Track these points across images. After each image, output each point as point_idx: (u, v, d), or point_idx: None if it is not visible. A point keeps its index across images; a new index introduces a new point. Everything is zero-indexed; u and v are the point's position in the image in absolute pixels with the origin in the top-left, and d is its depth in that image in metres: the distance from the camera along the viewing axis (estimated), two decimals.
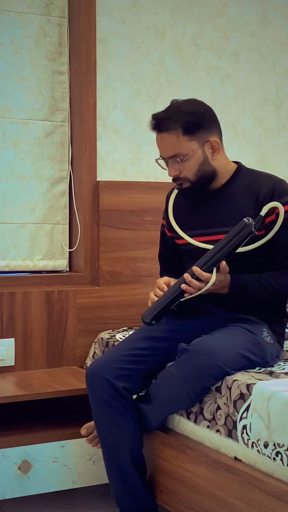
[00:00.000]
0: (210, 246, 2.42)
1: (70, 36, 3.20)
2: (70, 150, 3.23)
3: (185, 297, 2.36)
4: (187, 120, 2.42)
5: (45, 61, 3.17)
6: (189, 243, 2.55)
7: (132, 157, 3.30)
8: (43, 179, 3.19)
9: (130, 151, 3.30)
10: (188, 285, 2.33)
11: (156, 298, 2.41)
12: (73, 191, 3.22)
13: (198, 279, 2.33)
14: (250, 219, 2.30)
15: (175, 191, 2.57)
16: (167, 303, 2.36)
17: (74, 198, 3.22)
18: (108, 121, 3.24)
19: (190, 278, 2.32)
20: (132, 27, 3.27)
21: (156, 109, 3.29)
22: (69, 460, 2.67)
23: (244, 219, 2.31)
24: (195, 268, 2.33)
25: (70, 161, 3.22)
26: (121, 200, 3.21)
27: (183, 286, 2.33)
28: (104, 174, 3.24)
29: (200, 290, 2.33)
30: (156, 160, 2.54)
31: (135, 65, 3.29)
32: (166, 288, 2.42)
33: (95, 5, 3.16)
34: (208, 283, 2.33)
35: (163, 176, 3.30)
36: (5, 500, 2.64)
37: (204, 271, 2.33)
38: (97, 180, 3.21)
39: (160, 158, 2.52)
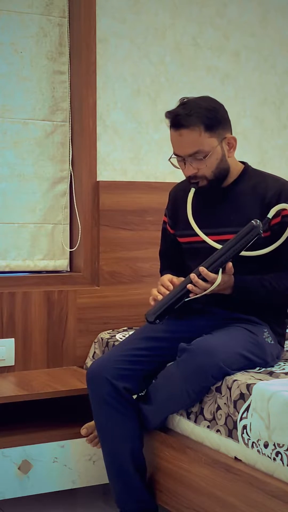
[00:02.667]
0: (217, 244, 2.40)
1: (70, 36, 3.20)
2: (70, 150, 3.23)
3: (190, 297, 2.35)
4: (208, 116, 2.40)
5: (45, 61, 3.17)
6: (192, 242, 2.54)
7: (132, 157, 3.30)
8: (44, 179, 3.19)
9: (130, 151, 3.30)
10: (195, 285, 2.32)
11: (158, 295, 2.40)
12: (73, 191, 3.22)
13: (204, 279, 2.32)
14: (258, 221, 2.30)
15: (193, 190, 2.49)
16: (171, 302, 2.35)
17: (74, 198, 3.22)
18: (108, 121, 3.24)
19: (196, 278, 2.32)
20: (132, 27, 3.27)
21: (156, 109, 3.32)
22: (69, 460, 2.67)
23: (252, 221, 2.30)
24: (202, 269, 2.32)
25: (70, 161, 3.22)
26: (121, 200, 3.21)
27: (189, 286, 2.32)
28: (104, 174, 3.24)
29: (205, 290, 2.33)
30: (169, 159, 2.49)
31: (135, 65, 3.29)
32: (171, 286, 2.41)
33: (95, 5, 3.16)
34: (214, 284, 2.33)
35: (163, 176, 3.32)
36: (5, 500, 2.64)
37: (210, 271, 2.32)
38: (97, 180, 3.21)
39: (175, 156, 2.47)
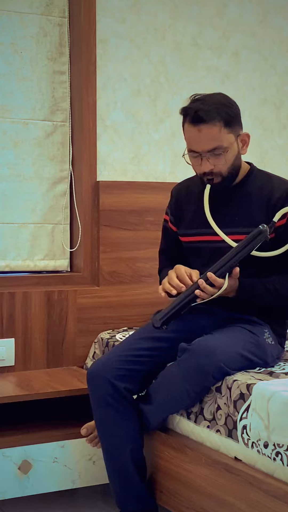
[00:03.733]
0: (233, 243, 2.38)
1: (70, 36, 3.20)
2: (70, 150, 3.23)
3: (197, 302, 2.35)
4: (227, 112, 2.39)
5: (45, 61, 3.17)
6: (195, 241, 2.54)
7: (132, 157, 3.30)
8: (44, 179, 3.19)
9: (130, 151, 3.30)
10: (202, 290, 2.32)
11: (171, 289, 2.37)
12: (73, 191, 3.22)
13: (211, 284, 2.32)
14: (265, 226, 2.30)
15: (209, 187, 2.46)
16: (178, 308, 2.35)
17: (75, 198, 3.22)
18: (108, 121, 3.24)
19: (204, 284, 2.31)
20: (132, 27, 3.27)
21: (156, 109, 3.32)
22: (69, 460, 2.67)
23: (260, 226, 2.31)
24: (210, 274, 2.32)
25: (70, 161, 3.22)
26: (121, 200, 3.21)
27: (197, 292, 2.32)
28: (104, 174, 3.24)
29: (212, 295, 2.34)
30: (183, 156, 2.47)
31: (135, 65, 3.29)
32: (187, 280, 2.37)
33: (95, 5, 3.16)
34: (221, 289, 2.33)
35: (163, 176, 3.32)
36: (5, 500, 2.64)
37: (218, 276, 2.32)
38: (97, 180, 3.21)
39: (190, 152, 2.44)
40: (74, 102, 3.21)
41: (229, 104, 2.42)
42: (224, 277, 2.33)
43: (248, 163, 2.59)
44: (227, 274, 2.34)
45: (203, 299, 2.34)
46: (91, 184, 3.19)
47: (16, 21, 3.11)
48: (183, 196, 2.63)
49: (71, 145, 3.23)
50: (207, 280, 2.32)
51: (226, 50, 3.48)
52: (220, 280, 2.32)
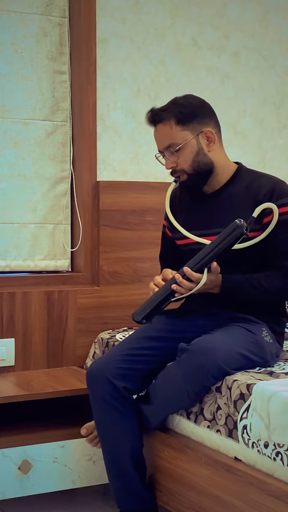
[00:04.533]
0: (207, 242, 2.41)
1: (71, 36, 3.20)
2: (71, 150, 3.23)
3: (175, 297, 2.36)
4: (180, 110, 2.48)
5: (45, 61, 3.17)
6: (188, 244, 2.55)
7: (132, 157, 3.30)
8: (44, 179, 3.19)
9: (130, 151, 3.30)
10: (179, 285, 2.33)
11: (154, 287, 2.42)
12: (74, 191, 3.22)
13: (189, 279, 2.34)
14: (242, 220, 2.31)
15: (173, 184, 2.58)
16: (157, 302, 2.37)
17: (75, 198, 3.22)
18: (108, 121, 3.24)
19: (180, 278, 2.34)
20: (132, 27, 3.27)
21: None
22: (69, 460, 2.67)
23: (236, 220, 2.31)
24: (186, 269, 2.34)
25: (71, 161, 3.22)
26: (121, 200, 3.21)
27: (174, 286, 2.34)
28: (104, 174, 3.24)
29: (191, 290, 2.34)
30: (156, 157, 2.57)
31: (135, 65, 3.29)
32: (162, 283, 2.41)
33: (95, 5, 3.16)
34: (199, 284, 2.34)
35: (163, 176, 3.32)
36: (5, 500, 2.64)
37: (195, 271, 2.33)
38: (97, 180, 3.21)
39: (158, 153, 2.55)
40: (74, 102, 3.21)
41: (185, 103, 2.50)
42: (202, 272, 2.34)
43: (236, 163, 2.60)
44: (206, 269, 2.34)
45: (182, 294, 2.35)
46: (91, 184, 3.19)
47: (16, 21, 3.11)
48: (177, 200, 2.66)
49: (71, 145, 3.23)
50: (184, 275, 2.33)
51: (226, 50, 3.49)
52: (196, 274, 2.33)
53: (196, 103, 2.52)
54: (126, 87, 3.27)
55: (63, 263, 3.24)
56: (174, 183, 2.57)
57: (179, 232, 2.59)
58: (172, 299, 2.37)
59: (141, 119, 3.29)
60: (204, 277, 2.34)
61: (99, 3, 3.18)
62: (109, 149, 3.25)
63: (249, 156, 3.51)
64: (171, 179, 2.58)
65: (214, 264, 2.36)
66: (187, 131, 2.48)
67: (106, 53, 3.22)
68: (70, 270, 3.26)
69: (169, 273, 2.45)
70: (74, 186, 3.22)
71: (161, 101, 3.29)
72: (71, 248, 3.24)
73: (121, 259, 3.22)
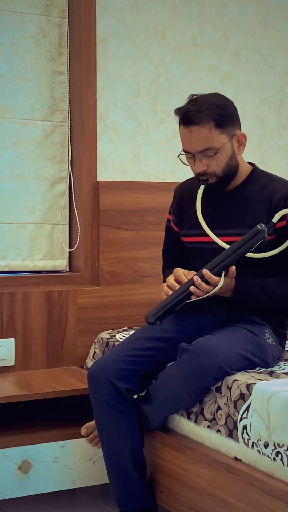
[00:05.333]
0: (225, 245, 2.39)
1: (70, 36, 3.20)
2: (70, 150, 3.23)
3: (191, 299, 2.35)
4: (219, 113, 2.39)
5: (45, 61, 3.17)
6: (196, 242, 2.54)
7: (132, 157, 3.30)
8: (43, 179, 3.19)
9: (130, 151, 3.30)
10: (197, 287, 2.32)
11: (168, 291, 2.39)
12: (73, 191, 3.22)
13: (206, 282, 2.32)
14: (263, 225, 2.30)
15: (202, 187, 2.48)
16: (173, 304, 2.34)
17: (74, 198, 3.22)
18: (108, 121, 3.24)
19: (200, 281, 2.31)
20: (132, 27, 3.27)
21: (156, 109, 3.32)
22: (69, 460, 2.67)
23: (258, 225, 2.30)
24: (205, 271, 2.31)
25: (70, 161, 3.22)
26: (121, 200, 3.21)
27: (192, 288, 2.32)
28: (104, 174, 3.24)
29: (207, 293, 2.33)
30: (179, 156, 2.48)
31: (135, 65, 3.29)
32: (184, 280, 2.38)
33: (95, 5, 3.16)
34: (216, 287, 2.32)
35: (163, 176, 3.33)
36: (5, 500, 2.64)
37: (213, 274, 2.32)
38: (97, 180, 3.21)
39: (184, 153, 2.46)
40: (73, 102, 3.21)
41: (221, 105, 2.41)
42: (220, 275, 2.33)
43: (251, 163, 2.58)
44: (223, 272, 2.33)
45: (198, 296, 2.33)
46: (91, 184, 3.19)
47: (16, 21, 3.11)
48: (186, 196, 2.63)
49: (70, 145, 3.23)
50: (202, 278, 2.32)
51: (226, 50, 3.48)
52: (215, 277, 2.31)
53: (229, 104, 2.44)
54: (126, 87, 3.27)
55: (61, 263, 3.24)
56: (203, 186, 2.47)
57: (188, 228, 2.57)
58: (188, 301, 2.35)
59: (141, 119, 3.29)
60: (222, 281, 2.33)
61: (99, 3, 3.18)
62: (109, 149, 3.25)
63: (249, 156, 3.48)
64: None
65: (233, 268, 2.34)
66: (224, 134, 2.41)
67: (106, 53, 3.22)
68: (68, 270, 3.26)
69: (182, 273, 2.42)
70: (72, 186, 3.22)
71: (161, 101, 3.31)
72: (69, 248, 3.24)
73: (121, 259, 3.22)
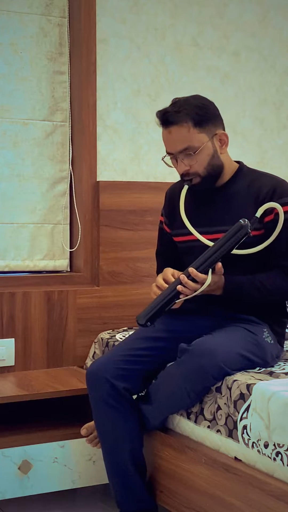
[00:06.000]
0: (210, 242, 2.41)
1: (70, 36, 3.20)
2: (70, 150, 3.23)
3: (180, 298, 2.35)
4: (197, 113, 2.42)
5: (45, 61, 3.17)
6: (187, 241, 2.54)
7: (132, 157, 3.30)
8: (43, 179, 3.19)
9: (130, 151, 3.30)
10: (184, 286, 2.32)
11: (156, 291, 2.40)
12: (73, 191, 3.22)
13: (194, 280, 2.32)
14: (246, 220, 2.30)
15: (186, 187, 2.52)
16: (162, 304, 2.34)
17: (74, 198, 3.22)
18: (108, 121, 3.24)
19: (186, 279, 2.31)
20: (132, 27, 3.27)
21: (156, 109, 3.29)
22: (69, 460, 2.67)
23: (240, 220, 2.30)
24: (191, 269, 2.32)
25: (70, 161, 3.22)
26: (121, 200, 3.21)
27: (179, 287, 2.32)
28: (104, 174, 3.24)
29: (195, 291, 2.33)
30: (162, 159, 2.51)
31: (135, 65, 3.29)
32: (172, 280, 2.39)
33: (95, 5, 3.16)
34: (204, 285, 2.32)
35: (163, 176, 3.32)
36: (5, 500, 2.64)
37: (200, 272, 2.32)
38: (97, 180, 3.21)
39: (167, 155, 2.49)
40: (74, 102, 3.21)
41: (200, 105, 2.44)
42: (206, 273, 2.33)
43: (238, 162, 2.59)
44: (210, 270, 2.33)
45: (186, 295, 2.33)
46: (91, 184, 3.19)
47: (16, 21, 3.11)
48: (176, 197, 2.63)
49: (70, 145, 3.23)
50: (189, 276, 2.32)
51: (226, 50, 3.48)
52: (202, 275, 2.31)
53: (208, 104, 2.47)
54: (126, 87, 3.27)
55: (62, 263, 3.24)
56: (186, 186, 2.51)
57: (178, 228, 2.58)
58: (177, 301, 2.36)
59: (141, 119, 3.29)
60: (209, 278, 2.33)
61: (99, 3, 3.18)
62: (109, 149, 3.25)
63: (249, 156, 3.50)
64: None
65: (219, 265, 2.34)
66: (203, 133, 2.44)
67: (106, 53, 3.22)
68: (69, 270, 3.26)
69: (170, 273, 2.43)
70: (73, 186, 3.22)
71: (161, 101, 3.30)
72: (70, 248, 3.24)
73: (121, 259, 3.22)
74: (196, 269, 2.32)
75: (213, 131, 2.46)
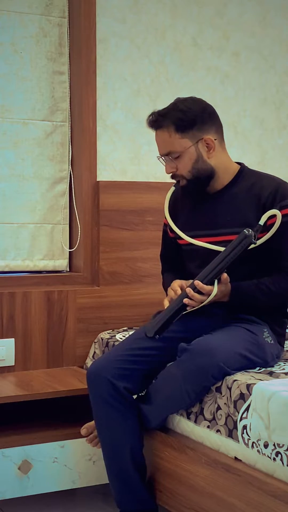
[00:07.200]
0: (212, 246, 2.42)
1: (70, 36, 3.20)
2: (70, 150, 3.23)
3: (187, 310, 2.36)
4: (180, 118, 2.44)
5: (45, 61, 3.17)
6: (190, 243, 2.55)
7: (132, 157, 3.30)
8: (43, 179, 3.19)
9: (130, 151, 3.30)
10: (191, 299, 2.33)
11: (174, 297, 2.40)
12: (73, 191, 3.22)
13: (200, 292, 2.33)
14: (250, 230, 2.31)
15: (172, 189, 2.59)
16: (169, 317, 2.36)
17: (74, 198, 3.22)
18: (108, 121, 3.24)
19: (192, 292, 2.33)
20: (132, 27, 3.27)
21: (156, 109, 3.31)
22: (69, 460, 2.67)
23: (244, 230, 2.32)
24: (197, 282, 2.33)
25: (70, 161, 3.22)
26: (121, 200, 3.21)
27: (186, 300, 2.33)
28: (104, 174, 3.24)
29: (202, 303, 2.34)
30: (158, 158, 2.56)
31: (135, 65, 3.29)
32: (180, 292, 2.40)
33: (95, 5, 3.16)
34: (210, 296, 2.34)
35: (163, 176, 3.30)
36: (5, 500, 2.64)
37: (206, 283, 2.33)
38: (97, 180, 3.21)
39: (159, 154, 2.54)
40: (74, 102, 3.21)
41: (187, 110, 2.45)
42: (212, 284, 2.34)
43: (239, 163, 2.59)
44: (216, 280, 2.34)
45: (193, 307, 2.35)
46: (91, 184, 3.19)
47: (16, 21, 3.11)
48: (179, 199, 2.65)
49: (70, 145, 3.23)
50: (195, 289, 2.33)
51: (226, 50, 3.49)
52: (207, 287, 2.33)
53: (196, 109, 2.47)
54: (126, 87, 3.27)
55: (62, 263, 3.24)
56: (173, 188, 2.58)
57: (181, 231, 2.59)
58: (184, 313, 2.37)
59: (141, 119, 3.29)
60: (215, 289, 2.34)
61: (99, 3, 3.18)
62: (109, 149, 3.25)
63: (249, 156, 3.51)
64: (170, 179, 2.58)
65: (225, 275, 2.36)
66: (186, 138, 2.46)
67: (106, 53, 3.22)
68: (68, 270, 3.26)
69: (178, 285, 2.44)
70: (73, 186, 3.22)
71: (161, 101, 3.30)
72: (70, 248, 3.24)
73: (121, 259, 3.22)
74: (201, 281, 2.33)
75: (198, 136, 2.46)
